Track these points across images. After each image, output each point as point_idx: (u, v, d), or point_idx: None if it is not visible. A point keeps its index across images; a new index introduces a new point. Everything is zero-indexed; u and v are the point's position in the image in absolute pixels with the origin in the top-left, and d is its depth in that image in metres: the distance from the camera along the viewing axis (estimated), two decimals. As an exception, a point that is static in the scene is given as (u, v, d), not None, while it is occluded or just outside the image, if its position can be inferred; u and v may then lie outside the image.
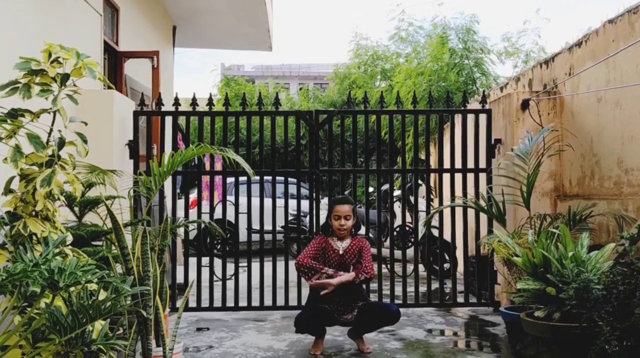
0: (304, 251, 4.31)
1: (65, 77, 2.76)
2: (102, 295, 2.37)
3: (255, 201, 5.78)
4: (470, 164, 5.56)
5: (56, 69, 2.76)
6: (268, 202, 6.12)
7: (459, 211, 5.56)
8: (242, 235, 6.57)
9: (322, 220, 5.90)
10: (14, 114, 2.70)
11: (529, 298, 3.50)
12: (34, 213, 2.75)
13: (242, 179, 6.63)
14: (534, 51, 11.64)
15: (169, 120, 5.74)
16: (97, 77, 2.79)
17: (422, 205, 6.36)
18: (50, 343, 2.28)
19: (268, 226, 5.96)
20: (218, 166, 8.06)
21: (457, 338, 4.76)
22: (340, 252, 4.25)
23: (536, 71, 6.02)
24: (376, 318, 4.25)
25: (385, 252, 6.83)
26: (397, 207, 7.37)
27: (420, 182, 6.86)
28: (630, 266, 2.94)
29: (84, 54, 2.81)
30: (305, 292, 5.51)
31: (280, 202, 6.35)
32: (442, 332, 4.87)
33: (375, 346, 4.36)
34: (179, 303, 4.91)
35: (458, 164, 5.60)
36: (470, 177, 5.53)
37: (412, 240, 5.82)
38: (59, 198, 2.84)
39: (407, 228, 6.08)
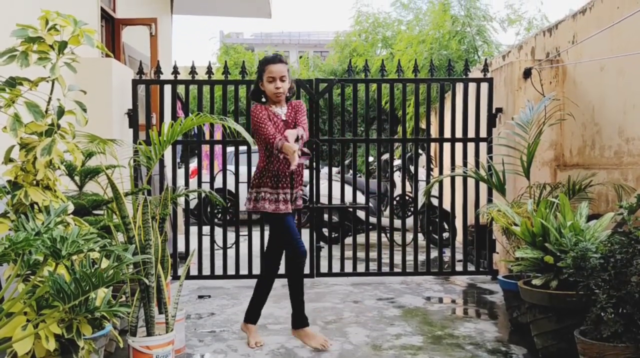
0: (263, 127, 3.55)
1: (63, 45, 2.73)
2: (105, 263, 2.39)
3: (256, 170, 5.76)
4: (471, 134, 5.54)
5: (53, 36, 2.72)
6: (268, 171, 6.11)
7: (458, 180, 5.57)
8: (243, 204, 6.59)
9: (322, 189, 5.94)
10: (12, 83, 2.67)
11: (527, 266, 3.53)
12: (34, 182, 2.75)
13: (242, 148, 6.61)
14: (537, 18, 11.51)
15: (168, 89, 5.70)
16: (95, 44, 2.76)
17: (422, 174, 6.36)
18: (54, 310, 2.31)
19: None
20: (218, 135, 8.04)
21: (455, 305, 4.83)
22: (283, 118, 3.65)
23: (539, 39, 5.94)
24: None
25: (385, 221, 6.86)
26: (397, 177, 7.38)
27: (420, 151, 6.85)
28: (628, 235, 2.96)
29: (81, 21, 2.77)
30: (305, 261, 5.56)
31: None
32: (440, 300, 4.93)
33: (374, 313, 4.43)
34: (181, 271, 4.97)
35: (459, 134, 5.59)
36: (471, 146, 5.52)
37: (412, 209, 5.84)
38: (59, 168, 2.84)
39: (407, 197, 6.11)
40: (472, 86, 5.75)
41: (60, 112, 2.74)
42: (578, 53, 5.09)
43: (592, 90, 4.87)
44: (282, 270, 5.53)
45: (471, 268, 5.72)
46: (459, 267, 5.73)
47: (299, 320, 3.74)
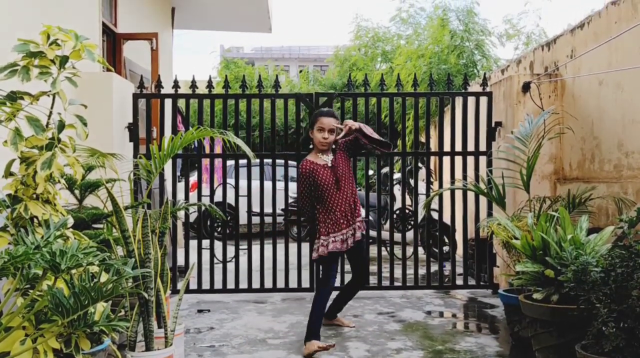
0: (301, 199, 4.19)
1: (64, 60, 2.74)
2: (104, 277, 2.39)
3: (255, 184, 5.78)
4: (471, 147, 5.55)
5: (55, 51, 2.74)
6: (268, 184, 6.12)
7: (458, 194, 5.57)
8: (243, 218, 6.59)
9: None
10: (13, 97, 2.69)
11: (528, 280, 3.52)
12: (34, 196, 2.75)
13: (242, 161, 6.62)
14: (535, 33, 11.58)
15: (168, 102, 5.72)
16: (96, 59, 2.78)
17: (422, 188, 6.37)
18: (53, 325, 2.30)
19: (268, 209, 5.98)
20: (218, 149, 8.06)
21: (456, 320, 4.80)
22: (330, 165, 4.09)
23: (537, 53, 5.98)
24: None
25: (385, 234, 6.85)
26: (397, 190, 7.38)
27: (420, 164, 6.86)
28: (628, 249, 2.95)
29: (82, 35, 2.79)
30: (305, 275, 5.56)
31: (280, 185, 6.36)
32: (441, 314, 4.91)
33: (374, 327, 4.41)
34: (180, 285, 4.95)
35: (458, 147, 5.60)
36: (471, 160, 5.53)
37: (412, 222, 5.84)
38: (59, 181, 2.84)
39: (407, 211, 6.10)
40: (471, 100, 5.77)
41: (61, 126, 2.75)
42: (576, 67, 5.12)
43: (591, 104, 4.89)
44: (281, 283, 5.53)
45: (472, 282, 5.70)
46: (459, 281, 5.71)
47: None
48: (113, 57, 6.40)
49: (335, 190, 4.05)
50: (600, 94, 4.74)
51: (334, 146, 4.20)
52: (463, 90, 5.68)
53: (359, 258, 4.30)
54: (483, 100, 5.60)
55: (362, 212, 4.42)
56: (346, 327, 4.39)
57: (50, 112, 2.78)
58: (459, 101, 5.79)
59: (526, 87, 5.34)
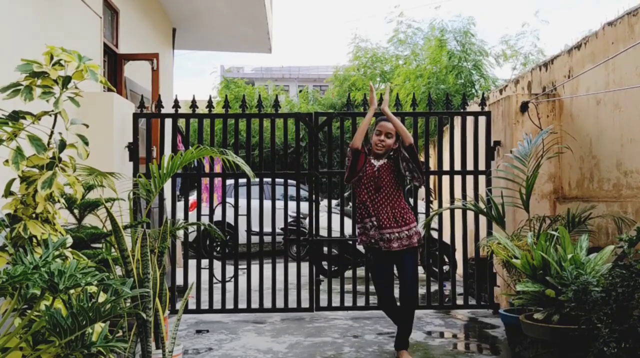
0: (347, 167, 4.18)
1: (66, 80, 2.77)
2: (102, 297, 2.37)
3: (255, 203, 5.78)
4: (470, 166, 5.57)
5: (58, 71, 2.77)
6: (267, 204, 6.12)
7: (458, 213, 5.57)
8: (242, 237, 6.58)
9: (322, 221, 5.93)
10: (15, 117, 2.70)
11: (528, 300, 3.50)
12: (34, 215, 2.75)
13: (242, 180, 6.63)
14: (533, 53, 11.69)
15: (168, 122, 5.75)
16: (99, 79, 2.80)
17: (421, 207, 6.36)
18: (50, 346, 2.28)
19: (267, 228, 5.97)
20: (217, 168, 8.07)
21: (457, 340, 4.76)
22: (375, 168, 4.13)
23: (535, 74, 6.03)
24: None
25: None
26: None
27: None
28: (629, 268, 2.95)
29: (85, 56, 2.82)
30: (305, 295, 5.53)
31: (279, 204, 6.36)
32: (441, 334, 4.87)
33: (374, 348, 4.37)
34: (179, 305, 4.91)
35: (457, 166, 5.61)
36: (470, 179, 5.54)
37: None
38: (59, 201, 2.84)
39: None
40: (470, 119, 5.80)
41: (62, 146, 2.76)
42: (574, 87, 5.16)
43: (589, 124, 4.92)
44: (281, 303, 5.50)
45: (472, 302, 5.66)
46: (459, 301, 5.68)
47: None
48: (114, 77, 6.45)
49: (374, 190, 4.09)
50: (598, 113, 4.77)
51: (390, 154, 4.19)
52: (462, 110, 5.71)
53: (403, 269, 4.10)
54: (482, 119, 5.63)
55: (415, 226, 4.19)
56: None
57: (52, 132, 2.79)
58: (457, 121, 5.82)
59: (524, 107, 5.37)
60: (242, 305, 5.50)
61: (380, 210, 4.05)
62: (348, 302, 5.58)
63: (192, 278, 5.45)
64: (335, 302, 5.57)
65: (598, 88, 4.74)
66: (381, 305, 4.23)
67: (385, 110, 4.17)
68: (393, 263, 4.13)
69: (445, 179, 5.79)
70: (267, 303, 5.52)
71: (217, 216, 5.81)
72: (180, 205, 6.30)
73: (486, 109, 5.74)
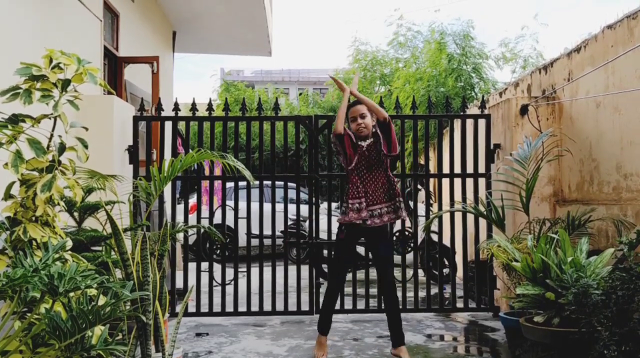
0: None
1: (66, 83, 2.77)
2: (102, 300, 2.37)
3: (255, 206, 5.78)
4: (470, 169, 5.57)
5: (57, 74, 2.77)
6: (267, 206, 6.11)
7: (458, 216, 5.57)
8: (242, 240, 6.57)
9: (322, 224, 5.93)
10: (15, 120, 2.70)
11: (528, 303, 3.50)
12: (33, 218, 2.75)
13: (242, 183, 6.64)
14: (532, 56, 11.72)
15: (168, 125, 5.75)
16: (98, 82, 2.80)
17: (421, 210, 6.36)
18: (50, 349, 2.27)
19: (267, 231, 5.97)
20: (217, 170, 8.07)
21: (457, 343, 4.75)
22: (364, 148, 4.20)
23: (535, 76, 6.04)
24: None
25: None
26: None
27: (419, 186, 6.86)
28: (629, 271, 2.94)
29: (84, 59, 2.82)
30: (305, 298, 5.53)
31: (279, 207, 6.36)
32: (441, 337, 4.86)
33: (374, 351, 4.36)
34: (179, 308, 4.91)
35: (457, 169, 5.61)
36: (470, 182, 5.54)
37: (412, 245, 5.82)
38: (58, 204, 2.84)
39: (407, 233, 6.08)
40: (469, 122, 5.81)
41: (62, 149, 2.76)
42: (574, 90, 5.16)
43: (589, 127, 4.92)
44: (280, 306, 5.49)
45: (472, 304, 5.66)
46: (459, 304, 5.67)
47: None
48: (114, 80, 6.46)
49: (363, 170, 4.19)
50: (598, 116, 4.78)
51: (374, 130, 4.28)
52: (461, 113, 5.72)
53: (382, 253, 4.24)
54: (481, 122, 5.63)
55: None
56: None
57: (52, 135, 2.80)
58: (457, 123, 5.83)
59: (524, 110, 5.37)
60: (242, 308, 5.50)
61: (370, 187, 4.18)
62: (348, 305, 5.58)
63: (192, 281, 5.45)
64: (335, 304, 5.55)
65: (598, 91, 4.74)
66: (333, 286, 4.29)
67: (354, 92, 4.31)
68: (364, 243, 4.30)
69: (445, 181, 5.79)
70: (267, 306, 5.52)
71: (217, 219, 5.81)
72: (180, 208, 6.30)
73: (486, 111, 5.74)
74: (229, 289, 5.56)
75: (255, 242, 6.45)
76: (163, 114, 5.60)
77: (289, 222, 6.52)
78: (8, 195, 2.81)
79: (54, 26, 4.72)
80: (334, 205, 7.42)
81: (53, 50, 2.78)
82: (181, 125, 6.42)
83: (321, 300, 5.57)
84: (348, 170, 4.24)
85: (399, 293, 5.63)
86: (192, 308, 5.46)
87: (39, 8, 4.47)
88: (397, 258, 6.50)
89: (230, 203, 7.27)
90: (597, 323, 2.89)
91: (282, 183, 5.94)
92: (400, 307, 5.51)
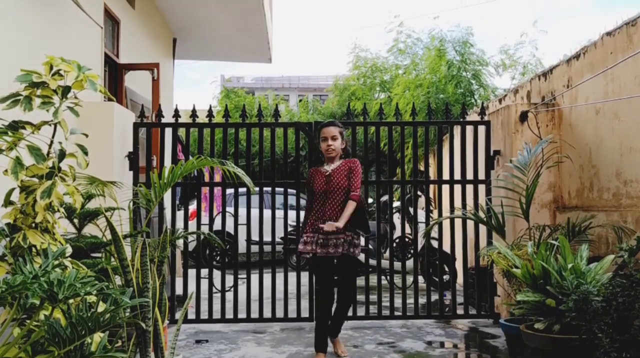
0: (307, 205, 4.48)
1: (66, 90, 2.78)
2: (101, 307, 2.37)
3: (255, 212, 5.77)
4: (470, 175, 5.57)
5: (57, 81, 2.78)
6: (267, 213, 6.11)
7: (458, 222, 5.57)
8: (242, 247, 6.56)
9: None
10: (15, 126, 2.71)
11: (529, 310, 3.49)
12: (33, 225, 2.75)
13: (242, 190, 6.64)
14: (532, 63, 11.75)
15: (168, 131, 5.76)
16: (98, 89, 2.81)
17: (421, 216, 6.36)
18: (49, 356, 2.27)
19: (267, 237, 5.96)
20: (217, 177, 8.07)
21: (457, 350, 4.74)
22: (328, 173, 4.30)
23: (534, 83, 6.05)
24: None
25: (385, 263, 6.81)
26: (397, 218, 7.37)
27: (419, 193, 6.86)
28: (629, 278, 2.94)
29: (85, 66, 2.83)
30: (305, 304, 5.52)
31: (279, 213, 6.35)
32: (442, 344, 4.85)
33: (374, 358, 4.35)
34: (178, 315, 4.90)
35: (457, 176, 5.61)
36: (470, 188, 5.54)
37: (412, 251, 5.81)
38: (58, 210, 2.84)
39: (407, 239, 6.08)
40: (469, 129, 5.81)
41: (62, 155, 2.76)
42: (573, 97, 5.18)
43: (589, 133, 4.93)
44: (280, 313, 5.48)
45: (472, 311, 5.64)
46: (460, 311, 5.66)
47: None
48: (114, 86, 6.47)
49: (323, 196, 4.28)
50: (597, 123, 4.78)
51: (342, 155, 4.42)
52: (461, 119, 5.72)
53: (342, 275, 4.37)
54: (481, 129, 5.64)
55: (361, 240, 4.41)
56: (337, 355, 4.38)
57: (52, 141, 2.80)
58: (457, 130, 5.84)
59: (524, 116, 5.38)
60: (242, 314, 5.48)
61: (328, 212, 4.26)
62: (348, 311, 5.56)
63: (191, 287, 5.43)
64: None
65: (597, 98, 4.75)
66: (321, 299, 4.32)
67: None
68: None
69: (445, 188, 5.80)
70: (267, 313, 5.50)
71: (217, 225, 5.81)
72: (180, 214, 6.30)
73: (486, 118, 5.75)
74: (229, 296, 5.55)
75: (255, 248, 6.44)
76: (163, 120, 5.60)
77: (289, 229, 6.50)
78: (8, 202, 2.81)
79: (55, 33, 4.74)
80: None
81: (53, 57, 2.79)
82: (181, 131, 6.44)
83: (321, 306, 5.57)
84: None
85: (399, 300, 5.64)
86: (191, 315, 5.45)
87: (40, 15, 4.48)
88: (397, 265, 6.49)
89: (230, 209, 7.27)
90: (597, 330, 2.88)
91: (282, 189, 5.93)
92: (401, 313, 5.53)
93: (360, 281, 6.17)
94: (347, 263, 4.31)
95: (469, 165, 5.56)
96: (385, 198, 6.78)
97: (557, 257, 3.60)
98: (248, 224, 5.52)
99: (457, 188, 5.59)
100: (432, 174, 8.02)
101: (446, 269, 6.63)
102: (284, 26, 64.62)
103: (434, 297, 5.94)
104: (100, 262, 3.59)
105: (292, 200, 9.72)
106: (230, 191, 9.04)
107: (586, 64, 4.95)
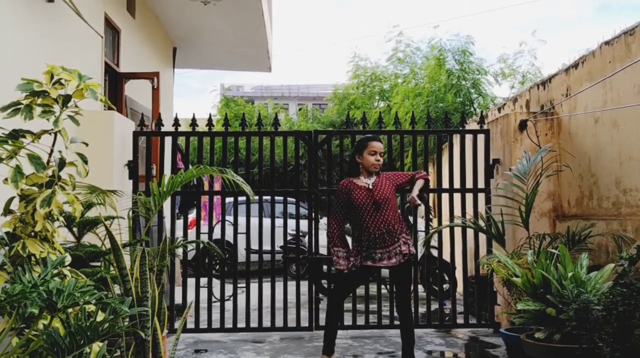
0: (332, 215, 4.28)
1: (67, 99, 2.78)
2: (100, 316, 2.36)
3: (254, 221, 5.77)
4: (469, 184, 5.57)
5: (58, 90, 2.78)
6: (267, 222, 6.11)
7: (458, 231, 5.56)
8: (241, 256, 6.55)
9: (322, 240, 5.91)
10: (15, 135, 2.71)
11: (529, 319, 3.48)
12: (33, 233, 2.74)
13: (241, 198, 6.64)
14: (531, 72, 11.81)
15: (168, 140, 5.76)
16: (99, 98, 2.82)
17: (421, 225, 6.35)
18: (47, 365, 2.26)
19: (267, 246, 5.95)
20: (217, 186, 8.07)
21: (457, 359, 4.72)
22: (369, 186, 4.21)
23: (533, 92, 6.07)
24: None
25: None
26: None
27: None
28: (629, 287, 2.94)
29: (85, 75, 2.84)
30: (304, 314, 5.50)
31: (279, 222, 6.34)
32: (442, 354, 4.83)
33: (374, 368, 4.32)
34: (177, 324, 4.87)
35: (457, 184, 5.62)
36: (469, 197, 5.54)
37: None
38: (58, 219, 2.84)
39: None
40: (469, 138, 5.82)
41: (62, 164, 2.76)
42: (572, 106, 5.19)
43: (588, 142, 4.94)
44: (280, 322, 5.46)
45: (472, 320, 5.62)
46: (460, 320, 5.64)
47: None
48: (115, 95, 6.49)
49: (373, 211, 4.15)
50: (596, 131, 4.79)
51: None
52: (460, 128, 5.73)
53: (401, 280, 4.27)
54: (480, 137, 5.65)
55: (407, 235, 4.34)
56: None
57: (52, 150, 2.80)
58: (456, 139, 5.85)
59: (523, 125, 5.39)
60: (241, 324, 5.46)
61: (381, 227, 4.16)
62: (348, 320, 5.54)
63: (191, 297, 5.42)
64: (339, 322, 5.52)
65: (596, 106, 4.76)
66: (334, 303, 4.29)
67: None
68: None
69: (445, 196, 5.80)
70: (266, 322, 5.48)
71: (216, 234, 5.80)
72: (179, 223, 6.29)
73: (485, 127, 5.76)
74: (228, 305, 5.53)
75: (254, 257, 6.43)
76: (163, 129, 5.61)
77: (289, 237, 6.50)
78: (7, 211, 2.80)
79: (56, 42, 4.76)
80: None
81: (54, 66, 2.80)
82: (181, 140, 6.44)
83: (321, 316, 5.55)
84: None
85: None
86: (190, 324, 5.43)
87: (40, 24, 4.50)
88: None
89: (229, 218, 7.26)
90: (598, 339, 2.87)
91: (281, 198, 5.94)
92: (401, 322, 5.51)
93: (360, 290, 6.15)
94: (404, 271, 4.25)
95: (469, 174, 5.57)
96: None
97: (557, 265, 3.59)
98: (247, 233, 5.52)
99: (457, 196, 5.59)
100: (432, 182, 8.02)
101: (446, 278, 6.61)
102: (283, 35, 64.85)
103: (434, 306, 5.92)
104: (99, 271, 3.58)
105: (291, 209, 9.71)
106: (229, 200, 9.05)
107: (585, 73, 4.97)
